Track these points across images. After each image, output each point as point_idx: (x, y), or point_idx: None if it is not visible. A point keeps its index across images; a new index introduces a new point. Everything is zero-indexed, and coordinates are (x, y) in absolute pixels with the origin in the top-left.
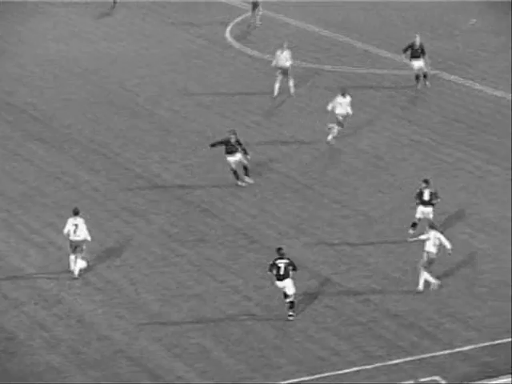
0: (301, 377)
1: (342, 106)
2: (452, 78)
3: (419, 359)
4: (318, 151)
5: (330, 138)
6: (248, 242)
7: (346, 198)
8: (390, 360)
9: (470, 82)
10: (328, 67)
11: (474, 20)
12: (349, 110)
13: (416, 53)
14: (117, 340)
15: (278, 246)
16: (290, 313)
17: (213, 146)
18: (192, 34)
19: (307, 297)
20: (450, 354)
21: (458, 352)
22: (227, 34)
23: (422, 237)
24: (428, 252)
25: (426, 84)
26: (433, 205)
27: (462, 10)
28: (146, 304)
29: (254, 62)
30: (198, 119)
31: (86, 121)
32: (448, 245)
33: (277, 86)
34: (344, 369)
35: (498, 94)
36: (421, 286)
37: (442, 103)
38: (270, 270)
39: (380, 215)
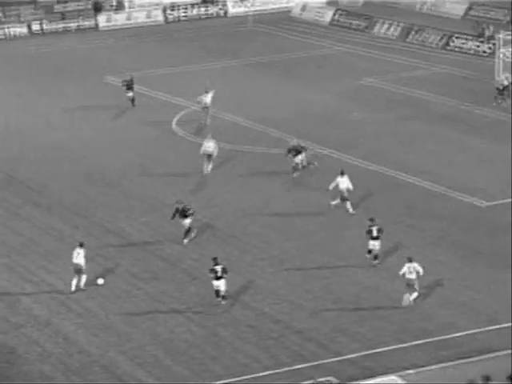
0: (229, 378)
1: (343, 183)
2: (341, 155)
3: (317, 364)
4: (242, 211)
5: (333, 203)
6: (190, 278)
7: (263, 245)
8: (295, 365)
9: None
10: (247, 147)
11: (356, 113)
12: (350, 185)
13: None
14: (92, 353)
15: (214, 256)
16: (223, 302)
17: (173, 217)
18: (149, 126)
19: (233, 319)
20: (339, 361)
21: (346, 359)
22: (173, 125)
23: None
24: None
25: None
26: (379, 238)
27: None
28: (114, 325)
29: (192, 146)
30: (151, 188)
31: (70, 190)
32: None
33: (204, 167)
34: (261, 372)
35: (375, 167)
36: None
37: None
38: (210, 273)
39: (288, 257)
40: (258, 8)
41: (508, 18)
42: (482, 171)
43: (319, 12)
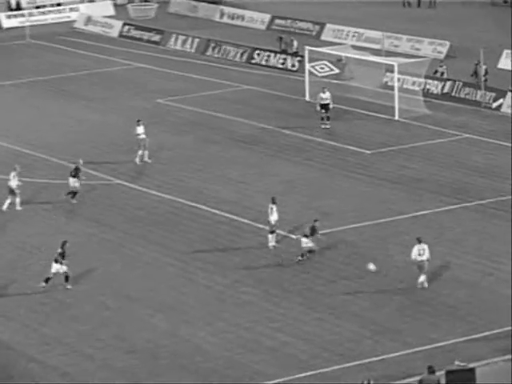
0: None
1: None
2: (132, 185)
3: None
4: (24, 249)
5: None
6: None
7: (46, 287)
8: None
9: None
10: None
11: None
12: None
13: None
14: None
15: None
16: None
17: None
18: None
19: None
20: None
21: None
22: None
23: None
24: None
25: None
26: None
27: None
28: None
29: None
30: None
31: None
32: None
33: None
34: None
35: (171, 197)
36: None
37: (124, 207)
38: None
39: (74, 301)
40: (36, 19)
41: (318, 29)
42: (290, 199)
43: (106, 24)
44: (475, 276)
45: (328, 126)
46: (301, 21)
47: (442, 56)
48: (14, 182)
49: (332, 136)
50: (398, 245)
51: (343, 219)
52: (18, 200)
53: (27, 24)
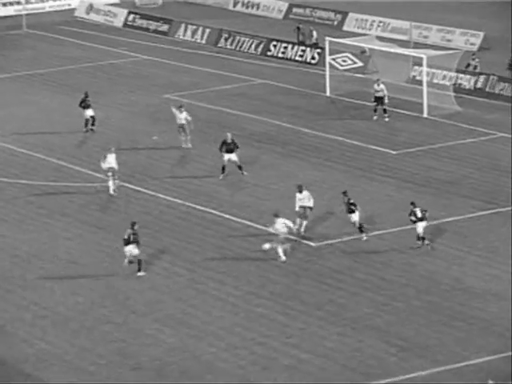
0: None
1: (302, 200)
2: (138, 188)
3: None
4: (18, 257)
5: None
6: None
7: (45, 300)
8: None
9: (153, 192)
10: (24, 181)
11: (156, 137)
12: (310, 203)
13: (229, 147)
14: None
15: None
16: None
17: None
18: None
19: None
20: None
21: None
22: None
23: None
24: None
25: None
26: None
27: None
28: None
29: None
30: None
31: None
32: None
33: None
34: None
35: (180, 201)
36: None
37: (129, 211)
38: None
39: (75, 315)
40: (33, 7)
41: (339, 18)
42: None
43: (110, 12)
44: (510, 288)
45: (387, 119)
46: (321, 9)
47: (474, 48)
48: (112, 162)
49: (354, 135)
50: (424, 253)
51: (366, 225)
52: (111, 184)
53: (24, 12)
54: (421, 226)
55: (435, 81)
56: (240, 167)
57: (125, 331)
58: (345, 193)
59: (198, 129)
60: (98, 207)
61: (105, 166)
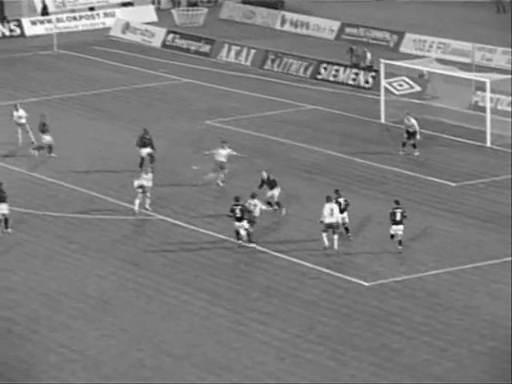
0: None
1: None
2: (177, 221)
3: None
4: (47, 296)
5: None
6: None
7: (74, 342)
8: None
9: (194, 226)
10: (53, 213)
11: (196, 167)
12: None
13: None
14: None
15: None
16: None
17: None
18: None
19: None
20: None
21: None
22: None
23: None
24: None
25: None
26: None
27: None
28: None
29: None
30: None
31: None
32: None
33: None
34: None
35: (223, 236)
36: None
37: (166, 247)
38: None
39: (107, 358)
40: (65, 25)
41: (396, 39)
42: (360, 238)
43: (147, 32)
44: None
45: (416, 154)
46: (376, 29)
47: None
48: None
49: (412, 166)
50: (486, 295)
51: (423, 264)
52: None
53: (55, 31)
54: (399, 230)
55: (499, 107)
56: (278, 204)
57: (161, 377)
58: (337, 191)
59: (241, 158)
60: (132, 242)
61: (136, 183)
